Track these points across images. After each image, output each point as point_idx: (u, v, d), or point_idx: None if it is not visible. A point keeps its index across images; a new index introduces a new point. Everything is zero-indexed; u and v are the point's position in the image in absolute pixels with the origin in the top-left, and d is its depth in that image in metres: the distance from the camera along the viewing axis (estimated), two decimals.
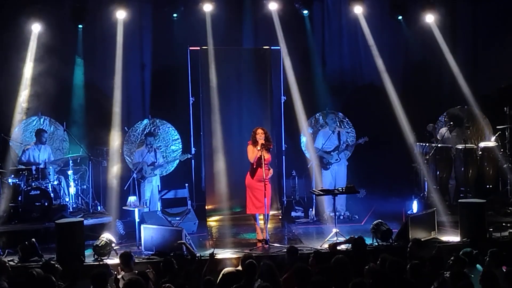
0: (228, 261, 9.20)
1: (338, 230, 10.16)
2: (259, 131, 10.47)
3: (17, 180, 11.04)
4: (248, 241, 10.74)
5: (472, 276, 6.99)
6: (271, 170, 10.68)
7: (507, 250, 8.41)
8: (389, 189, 12.86)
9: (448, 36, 13.03)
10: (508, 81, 12.82)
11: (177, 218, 10.98)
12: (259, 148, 10.34)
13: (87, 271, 8.01)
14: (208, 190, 12.46)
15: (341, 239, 9.86)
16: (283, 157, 12.86)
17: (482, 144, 12.22)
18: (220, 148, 12.03)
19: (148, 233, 9.89)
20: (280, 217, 12.42)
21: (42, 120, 12.50)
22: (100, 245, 9.58)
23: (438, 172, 11.97)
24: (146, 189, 11.79)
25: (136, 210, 10.64)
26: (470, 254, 7.65)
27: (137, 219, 10.53)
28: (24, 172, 11.08)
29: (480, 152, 12.04)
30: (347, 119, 13.28)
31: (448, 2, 13.39)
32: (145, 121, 12.88)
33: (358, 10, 12.95)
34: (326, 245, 9.60)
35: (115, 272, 7.98)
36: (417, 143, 12.19)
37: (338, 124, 12.82)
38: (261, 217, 10.61)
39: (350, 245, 9.07)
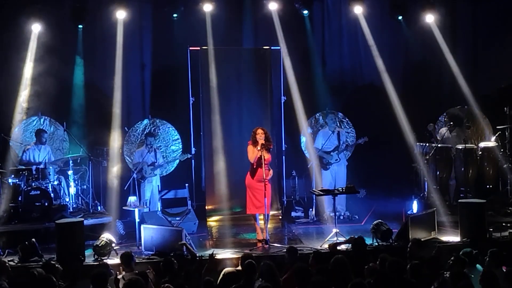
0: (228, 261, 9.20)
1: (338, 230, 10.16)
2: (259, 131, 10.48)
3: (17, 180, 11.04)
4: (248, 241, 10.75)
5: (472, 276, 6.99)
6: (271, 171, 10.68)
7: (507, 250, 8.40)
8: (389, 189, 12.85)
9: (448, 36, 13.03)
10: (508, 81, 12.82)
11: (177, 218, 10.98)
12: (259, 148, 10.34)
13: (87, 271, 8.02)
14: (208, 190, 12.46)
15: (341, 239, 9.87)
16: (283, 157, 12.86)
17: (482, 144, 12.22)
18: (220, 148, 12.03)
19: (148, 233, 9.89)
20: (280, 217, 12.42)
21: (42, 120, 12.50)
22: (100, 245, 9.58)
23: (438, 172, 11.97)
24: (146, 189, 11.79)
25: (136, 210, 10.65)
26: (470, 254, 7.65)
27: (137, 219, 10.53)
28: (24, 172, 11.08)
29: (480, 152, 12.04)
30: (347, 119, 13.28)
31: (448, 2, 13.38)
32: (145, 121, 12.88)
33: (358, 10, 12.95)
34: (326, 245, 9.60)
35: (117, 272, 7.98)
36: (417, 143, 12.19)
37: (338, 124, 12.82)
38: (261, 217, 10.61)
39: (350, 245, 9.07)
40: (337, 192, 10.64)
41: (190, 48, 12.59)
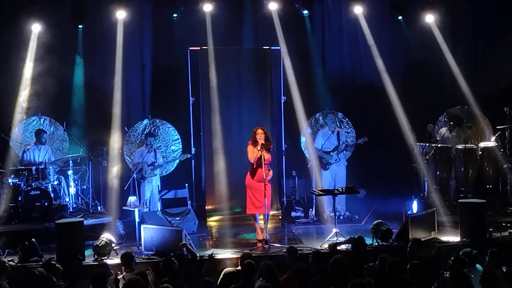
0: (228, 261, 9.20)
1: (338, 230, 10.16)
2: (259, 131, 10.47)
3: (17, 180, 11.04)
4: (248, 241, 10.74)
5: (472, 276, 6.99)
6: (271, 171, 10.68)
7: (507, 250, 8.41)
8: (389, 189, 12.85)
9: (448, 36, 13.02)
10: (508, 81, 12.82)
11: (177, 218, 10.98)
12: (259, 148, 10.34)
13: (86, 271, 8.02)
14: (208, 190, 12.46)
15: (341, 239, 9.86)
16: (283, 157, 12.86)
17: (482, 144, 12.21)
18: (220, 148, 12.03)
19: (148, 233, 9.89)
20: (280, 217, 12.42)
21: (42, 120, 12.50)
22: (100, 245, 9.58)
23: (438, 172, 11.97)
24: (146, 189, 11.79)
25: (136, 210, 10.65)
26: (470, 254, 7.65)
27: (137, 219, 10.53)
28: (24, 172, 11.08)
29: (480, 152, 12.03)
30: (347, 119, 13.28)
31: (448, 2, 13.38)
32: (145, 121, 12.88)
33: (358, 10, 12.95)
34: (326, 245, 9.60)
35: (117, 272, 7.98)
36: (417, 143, 12.19)
37: (338, 124, 12.82)
38: (261, 217, 10.61)
39: (350, 245, 9.07)
40: (337, 192, 10.64)
41: (190, 48, 12.59)
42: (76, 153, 12.07)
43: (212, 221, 12.22)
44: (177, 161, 12.50)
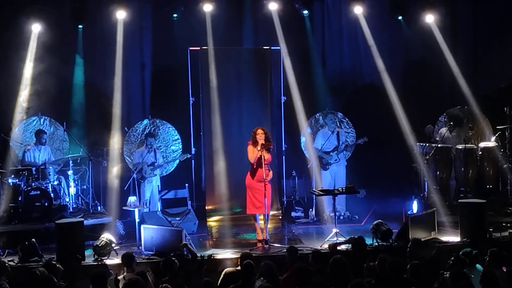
0: (228, 261, 9.20)
1: (338, 230, 10.16)
2: (259, 131, 10.48)
3: (17, 180, 11.04)
4: (248, 241, 10.75)
5: (472, 276, 6.99)
6: (271, 172, 10.68)
7: (507, 250, 8.40)
8: (389, 189, 12.84)
9: (448, 36, 13.02)
10: (508, 81, 12.82)
11: (177, 218, 10.98)
12: (259, 148, 10.34)
13: (86, 271, 8.02)
14: (208, 190, 12.46)
15: (341, 239, 9.86)
16: (283, 157, 12.86)
17: (482, 144, 12.21)
18: (220, 148, 12.03)
19: (148, 233, 9.89)
20: (280, 217, 12.42)
21: (42, 120, 12.50)
22: (100, 245, 9.58)
23: (438, 172, 11.97)
24: (146, 189, 11.79)
25: (136, 210, 10.64)
26: (470, 254, 7.66)
27: (137, 219, 10.53)
28: (24, 172, 11.08)
29: (480, 152, 12.03)
30: (347, 119, 13.28)
31: (448, 2, 13.38)
32: (145, 121, 12.88)
33: (358, 10, 12.95)
34: (326, 245, 9.59)
35: (117, 272, 7.98)
36: (417, 143, 12.19)
37: (338, 124, 12.81)
38: (261, 217, 10.61)
39: (350, 245, 9.07)
40: (337, 192, 10.64)
41: (190, 48, 12.58)
42: (76, 153, 12.07)
43: (212, 221, 12.22)
44: (177, 161, 12.50)
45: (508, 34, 13.09)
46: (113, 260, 9.35)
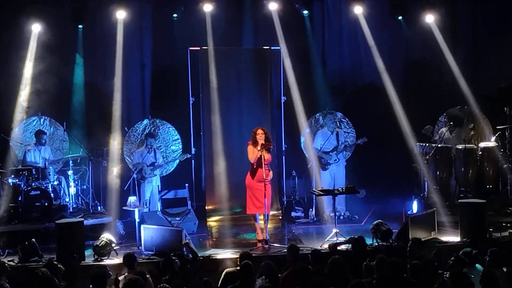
0: (228, 261, 9.20)
1: (338, 230, 10.15)
2: (259, 131, 10.47)
3: (17, 180, 11.04)
4: (248, 241, 10.74)
5: (472, 276, 6.99)
6: (271, 172, 10.68)
7: (507, 250, 8.40)
8: (389, 189, 12.83)
9: (448, 36, 13.02)
10: (508, 81, 12.82)
11: (177, 218, 10.98)
12: (259, 148, 10.34)
13: (86, 271, 8.02)
14: (208, 190, 12.46)
15: (341, 239, 9.86)
16: (283, 157, 12.86)
17: (482, 144, 12.21)
18: (220, 148, 12.03)
19: (148, 233, 9.89)
20: (280, 217, 12.42)
21: (42, 120, 12.50)
22: (100, 245, 9.58)
23: (438, 172, 11.97)
24: (146, 189, 11.79)
25: (136, 210, 10.64)
26: (470, 254, 7.65)
27: (137, 219, 10.53)
28: (24, 172, 11.08)
29: (480, 152, 12.03)
30: (347, 119, 13.28)
31: (448, 2, 13.38)
32: (145, 121, 12.88)
33: (358, 10, 12.95)
34: (326, 245, 9.59)
35: (117, 273, 7.97)
36: (417, 143, 12.19)
37: (338, 125, 12.80)
38: (261, 217, 10.61)
39: (350, 245, 9.07)
40: (337, 192, 10.63)
41: (190, 48, 12.58)
42: (76, 153, 12.07)
43: (212, 221, 12.21)
44: (177, 161, 12.50)
45: (508, 34, 13.09)
46: (113, 260, 9.35)
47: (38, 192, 10.92)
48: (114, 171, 11.80)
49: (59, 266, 7.74)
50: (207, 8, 12.45)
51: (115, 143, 12.11)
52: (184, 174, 12.62)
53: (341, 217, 11.80)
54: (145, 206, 11.24)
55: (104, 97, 12.67)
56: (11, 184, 11.05)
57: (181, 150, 12.90)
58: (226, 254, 9.71)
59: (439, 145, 11.97)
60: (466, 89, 12.69)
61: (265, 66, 12.70)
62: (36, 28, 12.16)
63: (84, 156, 11.93)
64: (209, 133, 12.28)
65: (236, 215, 11.97)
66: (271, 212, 11.42)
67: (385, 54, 12.98)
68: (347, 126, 13.22)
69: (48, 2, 12.40)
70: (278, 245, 10.28)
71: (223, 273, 7.46)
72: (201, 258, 8.91)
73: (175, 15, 12.86)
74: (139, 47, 13.18)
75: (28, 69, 12.17)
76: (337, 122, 12.84)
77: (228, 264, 8.82)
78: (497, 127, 12.37)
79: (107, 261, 9.35)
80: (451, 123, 12.48)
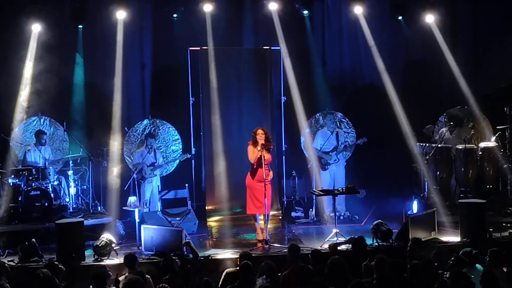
0: (228, 261, 9.20)
1: (338, 231, 10.15)
2: (259, 131, 10.47)
3: (17, 180, 11.04)
4: (248, 241, 10.74)
5: (472, 276, 6.99)
6: (271, 172, 10.68)
7: (507, 250, 8.39)
8: (389, 189, 12.83)
9: (448, 36, 13.02)
10: (508, 81, 12.82)
11: (177, 218, 10.98)
12: (259, 148, 10.34)
13: (85, 271, 8.02)
14: (208, 190, 12.46)
15: (341, 239, 9.86)
16: (283, 157, 12.86)
17: (482, 144, 12.21)
18: (220, 148, 12.04)
19: (148, 233, 9.89)
20: (280, 217, 12.42)
21: (42, 120, 12.50)
22: (100, 245, 9.58)
23: (438, 172, 11.97)
24: (146, 190, 11.79)
25: (136, 210, 10.64)
26: (470, 254, 7.66)
27: (137, 219, 10.53)
28: (24, 172, 11.08)
29: (480, 152, 12.03)
30: (347, 119, 13.28)
31: (448, 2, 13.38)
32: (145, 121, 12.88)
33: (358, 10, 12.95)
34: (326, 245, 9.59)
35: (117, 273, 7.96)
36: (417, 143, 12.19)
37: (338, 125, 12.79)
38: (261, 217, 10.61)
39: (351, 245, 9.07)
40: (337, 192, 10.63)
41: (190, 48, 12.58)
42: (76, 153, 12.08)
43: (212, 221, 12.21)
44: (177, 161, 12.50)
45: (508, 34, 13.09)
46: (113, 260, 9.35)
47: (38, 192, 10.92)
48: (114, 171, 11.80)
49: (60, 266, 7.74)
50: (207, 8, 12.45)
51: (115, 143, 12.11)
52: (184, 174, 12.62)
53: (341, 217, 11.80)
54: (145, 206, 11.24)
55: (104, 97, 12.67)
56: (11, 184, 11.06)
57: (181, 150, 12.90)
58: (226, 254, 9.71)
59: (439, 145, 11.97)
60: (466, 89, 12.68)
61: (265, 66, 12.70)
62: (36, 28, 12.16)
63: (84, 156, 11.93)
64: (209, 133, 12.28)
65: (236, 215, 11.97)
66: (271, 212, 11.42)
67: (385, 54, 12.98)
68: (347, 126, 13.22)
69: (48, 2, 12.40)
70: (278, 245, 10.28)
71: (224, 274, 7.46)
72: (202, 258, 8.89)
73: (175, 15, 12.86)
74: (139, 47, 13.18)
75: (28, 69, 12.18)
76: (337, 122, 12.83)
77: (228, 264, 8.83)
78: (497, 127, 12.37)
79: (107, 261, 9.35)
80: (451, 123, 12.48)
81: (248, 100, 12.67)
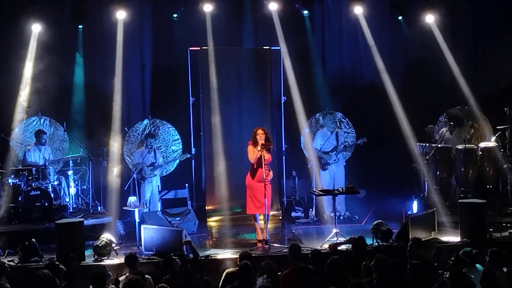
0: (228, 261, 9.20)
1: (338, 231, 10.15)
2: (259, 131, 10.47)
3: (17, 180, 11.05)
4: (248, 241, 10.74)
5: (472, 276, 6.99)
6: (271, 172, 10.68)
7: (507, 250, 8.39)
8: (389, 189, 12.84)
9: (448, 36, 13.02)
10: (508, 81, 12.82)
11: (177, 219, 10.99)
12: (259, 148, 10.34)
13: (85, 271, 8.02)
14: (208, 190, 12.46)
15: (341, 239, 9.86)
16: (283, 157, 12.85)
17: (482, 144, 12.21)
18: (220, 148, 12.04)
19: (148, 233, 9.89)
20: (280, 217, 12.42)
21: (42, 120, 12.50)
22: (100, 245, 9.58)
23: (438, 172, 11.97)
24: (146, 190, 11.79)
25: (136, 210, 10.64)
26: (470, 254, 7.66)
27: (137, 220, 10.53)
28: (24, 172, 11.08)
29: (480, 152, 12.03)
30: (347, 119, 13.28)
31: (448, 2, 13.38)
32: (145, 121, 12.88)
33: (358, 10, 12.94)
34: (326, 245, 9.59)
35: (117, 273, 7.97)
36: (417, 143, 12.19)
37: (338, 125, 12.79)
38: (261, 217, 10.61)
39: (351, 245, 9.07)
40: (337, 192, 10.63)
41: (190, 48, 12.58)
42: (76, 153, 12.08)
43: (212, 221, 12.21)
44: (177, 161, 12.51)
45: (508, 34, 13.09)
46: (113, 260, 9.35)
47: (38, 192, 10.92)
48: (114, 171, 11.81)
49: (60, 266, 7.74)
50: (207, 8, 12.45)
51: (115, 143, 12.12)
52: (184, 174, 12.62)
53: (341, 217, 11.80)
54: (145, 206, 11.24)
55: (104, 97, 12.67)
56: (11, 184, 11.06)
57: (181, 150, 12.90)
58: (226, 254, 9.71)
59: (439, 145, 11.97)
60: (466, 89, 12.69)
61: (265, 66, 12.70)
62: (36, 28, 12.16)
63: (84, 156, 11.93)
64: (209, 133, 12.28)
65: (236, 215, 11.97)
66: (271, 212, 11.42)
67: (385, 54, 12.98)
68: (347, 126, 13.22)
69: (48, 2, 12.40)
70: (278, 245, 10.28)
71: (224, 274, 7.47)
72: (202, 258, 8.89)
73: (175, 15, 12.85)
74: (139, 47, 13.18)
75: (28, 69, 12.18)
76: (337, 122, 12.82)
77: (228, 264, 8.82)
78: (497, 127, 12.37)
79: (107, 261, 9.36)
80: (451, 123, 12.48)
81: (248, 100, 12.67)
